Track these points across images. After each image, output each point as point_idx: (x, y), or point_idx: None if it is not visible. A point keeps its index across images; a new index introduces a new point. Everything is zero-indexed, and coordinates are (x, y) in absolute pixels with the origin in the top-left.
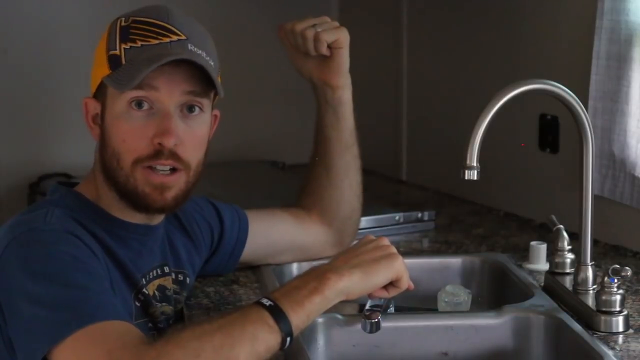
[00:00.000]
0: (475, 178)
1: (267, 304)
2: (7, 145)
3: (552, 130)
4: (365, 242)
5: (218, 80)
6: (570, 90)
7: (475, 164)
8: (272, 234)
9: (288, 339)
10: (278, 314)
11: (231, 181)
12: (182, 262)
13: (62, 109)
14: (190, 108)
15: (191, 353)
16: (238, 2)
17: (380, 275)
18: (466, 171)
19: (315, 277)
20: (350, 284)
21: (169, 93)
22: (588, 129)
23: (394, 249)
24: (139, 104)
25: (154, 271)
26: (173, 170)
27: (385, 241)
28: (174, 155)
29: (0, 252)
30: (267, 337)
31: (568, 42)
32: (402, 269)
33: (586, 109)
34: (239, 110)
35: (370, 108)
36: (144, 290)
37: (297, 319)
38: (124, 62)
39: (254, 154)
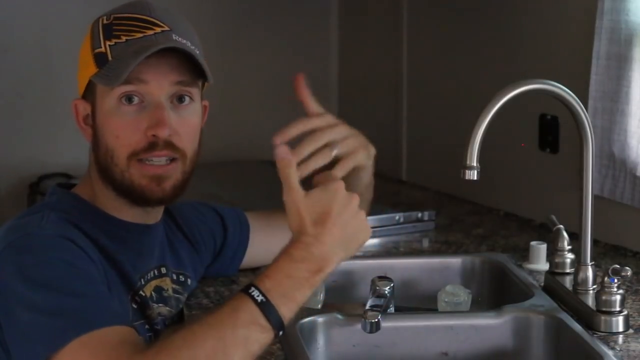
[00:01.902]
0: (475, 178)
1: (259, 299)
2: (7, 145)
3: (552, 130)
4: (340, 202)
5: (206, 65)
6: (570, 90)
7: (475, 164)
8: (273, 239)
9: (280, 332)
10: (269, 311)
11: (231, 181)
12: (184, 263)
13: (61, 109)
14: (180, 98)
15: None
16: (238, 2)
17: (355, 252)
18: (466, 171)
19: (307, 266)
20: (334, 268)
21: (158, 85)
22: (588, 129)
23: (363, 214)
24: (129, 98)
25: (151, 272)
26: (170, 160)
27: (355, 201)
28: (169, 145)
29: None
30: (260, 336)
31: (568, 42)
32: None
33: (586, 109)
34: (239, 110)
35: (370, 108)
36: (141, 292)
37: (288, 311)
38: (110, 58)
39: (253, 154)
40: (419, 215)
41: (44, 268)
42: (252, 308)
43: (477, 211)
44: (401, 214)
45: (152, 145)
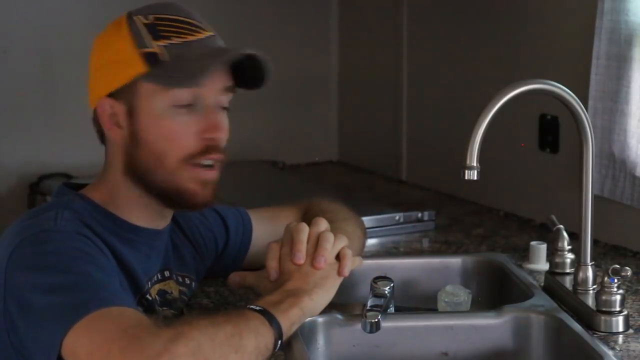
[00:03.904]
0: (475, 178)
1: (257, 308)
2: (7, 145)
3: (552, 130)
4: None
5: (270, 67)
6: (570, 90)
7: (475, 164)
8: (275, 236)
9: (279, 341)
10: (269, 317)
11: (231, 181)
12: (187, 265)
13: (62, 109)
14: (222, 103)
15: (207, 336)
16: (238, 2)
17: (334, 288)
18: (466, 171)
19: (288, 295)
20: (317, 300)
21: (212, 89)
22: (588, 129)
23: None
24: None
25: (156, 276)
26: (216, 163)
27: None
28: (220, 148)
29: (9, 254)
30: (266, 333)
31: (568, 42)
32: (341, 278)
33: (586, 109)
34: (239, 110)
35: (370, 108)
36: (148, 295)
37: (284, 324)
38: (167, 58)
39: (254, 154)
40: (419, 215)
41: (60, 255)
42: (254, 312)
43: (477, 211)
44: (401, 214)
45: (209, 149)
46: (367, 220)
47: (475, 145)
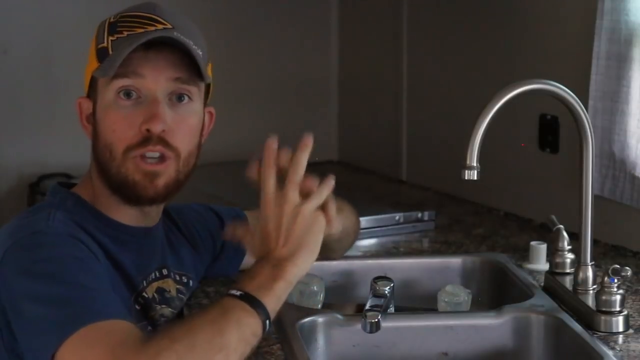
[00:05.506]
0: (475, 178)
1: (237, 294)
2: (7, 145)
3: (552, 130)
4: (281, 205)
5: (206, 67)
6: (570, 90)
7: (475, 164)
8: None
9: (267, 321)
10: (251, 300)
11: (231, 181)
12: (185, 264)
13: (62, 109)
14: (179, 97)
15: (186, 346)
16: (238, 3)
17: (318, 244)
18: (466, 171)
19: (270, 266)
20: (302, 264)
21: (155, 80)
22: (588, 129)
23: (308, 206)
24: (127, 93)
25: (153, 274)
26: (162, 158)
27: (294, 196)
28: (162, 141)
29: (2, 255)
30: (249, 321)
31: (568, 42)
32: (325, 223)
33: (586, 109)
34: (239, 110)
35: (370, 108)
36: (144, 293)
37: (269, 301)
38: (111, 52)
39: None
40: (419, 215)
41: (51, 263)
42: (234, 300)
43: (477, 211)
44: (401, 214)
45: (146, 140)
46: (367, 220)
47: (475, 145)
